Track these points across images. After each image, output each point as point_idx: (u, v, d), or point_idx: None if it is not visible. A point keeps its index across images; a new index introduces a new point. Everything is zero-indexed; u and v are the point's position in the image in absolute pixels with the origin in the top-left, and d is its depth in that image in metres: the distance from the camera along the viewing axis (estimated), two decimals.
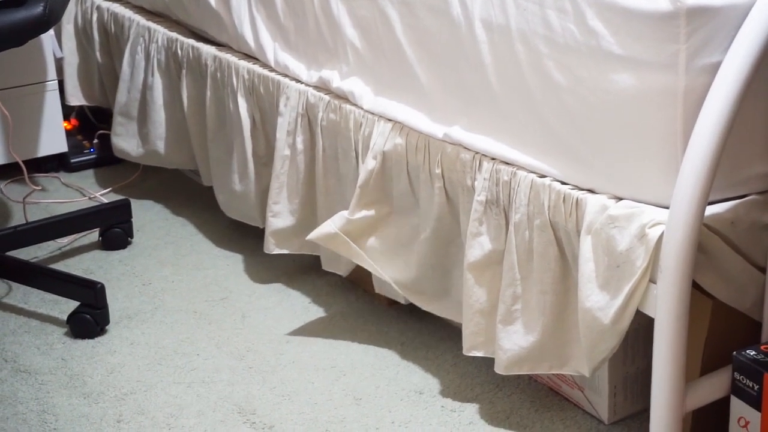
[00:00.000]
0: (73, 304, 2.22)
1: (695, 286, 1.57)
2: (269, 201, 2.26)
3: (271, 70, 2.31)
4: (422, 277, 1.99)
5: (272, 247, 2.28)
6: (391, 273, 2.02)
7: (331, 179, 2.17)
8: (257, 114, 2.34)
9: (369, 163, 2.00)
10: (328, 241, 2.06)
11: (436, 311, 2.02)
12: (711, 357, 1.68)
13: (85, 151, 3.02)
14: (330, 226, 2.05)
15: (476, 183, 1.81)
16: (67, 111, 3.04)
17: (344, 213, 2.04)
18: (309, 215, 2.25)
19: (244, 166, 2.38)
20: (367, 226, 2.04)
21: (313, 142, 2.19)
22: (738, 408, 1.60)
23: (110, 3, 2.85)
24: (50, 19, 2.19)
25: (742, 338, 1.68)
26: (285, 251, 2.29)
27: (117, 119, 2.80)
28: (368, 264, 2.04)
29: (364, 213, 2.03)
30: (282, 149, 2.23)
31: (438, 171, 1.89)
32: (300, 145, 2.20)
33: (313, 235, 2.07)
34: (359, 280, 2.29)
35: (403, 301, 2.11)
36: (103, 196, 2.83)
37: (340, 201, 2.15)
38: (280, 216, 2.26)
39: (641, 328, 1.82)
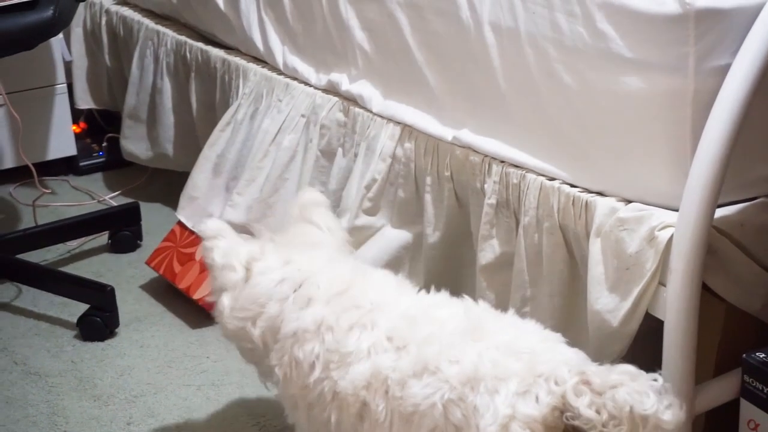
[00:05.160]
0: (82, 307, 2.23)
1: (709, 290, 1.57)
2: (234, 191, 2.26)
3: (280, 73, 2.31)
4: (432, 283, 1.97)
5: None
6: None
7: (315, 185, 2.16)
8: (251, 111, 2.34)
9: (378, 165, 2.00)
10: None
11: None
12: (724, 360, 1.67)
13: (94, 154, 3.02)
14: None
15: (486, 186, 1.81)
16: (76, 114, 3.05)
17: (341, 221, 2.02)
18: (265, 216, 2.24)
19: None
20: (364, 237, 2.02)
21: (305, 143, 2.19)
22: (747, 411, 1.59)
23: (119, 6, 2.86)
24: (60, 23, 2.20)
25: (756, 341, 1.67)
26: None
27: (126, 122, 2.80)
28: None
29: (366, 219, 2.02)
30: (266, 142, 2.23)
31: (447, 174, 1.89)
32: (286, 143, 2.20)
33: None
34: None
35: None
36: (112, 199, 2.84)
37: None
38: (237, 208, 2.25)
39: (650, 331, 1.81)
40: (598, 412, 1.27)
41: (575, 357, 1.38)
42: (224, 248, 1.69)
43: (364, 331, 1.49)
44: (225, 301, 1.66)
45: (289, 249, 1.67)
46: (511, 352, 1.37)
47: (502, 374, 1.34)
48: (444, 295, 1.55)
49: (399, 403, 1.42)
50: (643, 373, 1.31)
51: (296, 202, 1.78)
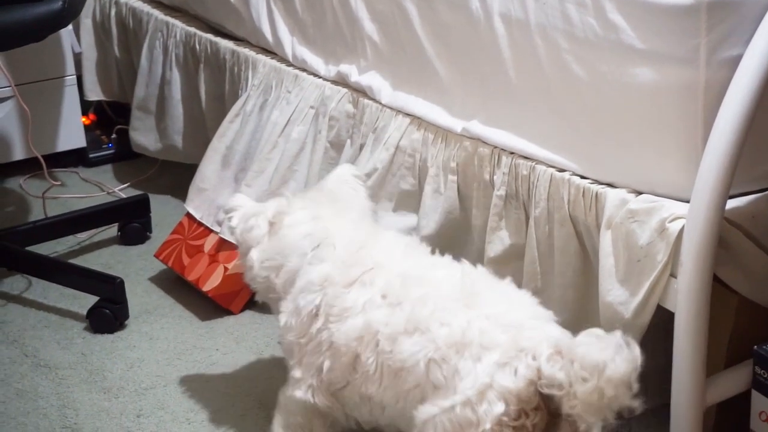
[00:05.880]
0: (92, 299, 2.23)
1: (720, 282, 1.56)
2: (243, 182, 2.26)
3: (289, 64, 2.31)
4: None
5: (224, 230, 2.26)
6: None
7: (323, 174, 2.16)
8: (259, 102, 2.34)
9: (380, 155, 2.00)
10: None
11: None
12: (736, 352, 1.67)
13: (104, 146, 3.02)
14: None
15: (495, 177, 1.81)
16: (86, 106, 3.05)
17: None
18: None
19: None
20: None
21: (314, 134, 2.18)
22: (759, 402, 1.59)
23: None
24: (69, 14, 2.20)
25: (767, 333, 1.67)
26: (231, 239, 2.24)
27: (135, 114, 2.80)
28: None
29: None
30: (275, 134, 2.22)
31: (453, 165, 1.88)
32: (295, 135, 2.20)
33: None
34: None
35: None
36: (122, 191, 2.84)
37: None
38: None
39: (661, 323, 1.81)
40: (567, 374, 1.34)
41: (559, 335, 1.44)
42: (241, 213, 1.78)
43: (363, 288, 1.57)
44: (254, 255, 1.74)
45: (317, 204, 1.75)
46: (499, 324, 1.44)
47: (488, 343, 1.42)
48: (446, 258, 1.63)
49: (388, 357, 1.51)
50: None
51: (333, 173, 1.85)
